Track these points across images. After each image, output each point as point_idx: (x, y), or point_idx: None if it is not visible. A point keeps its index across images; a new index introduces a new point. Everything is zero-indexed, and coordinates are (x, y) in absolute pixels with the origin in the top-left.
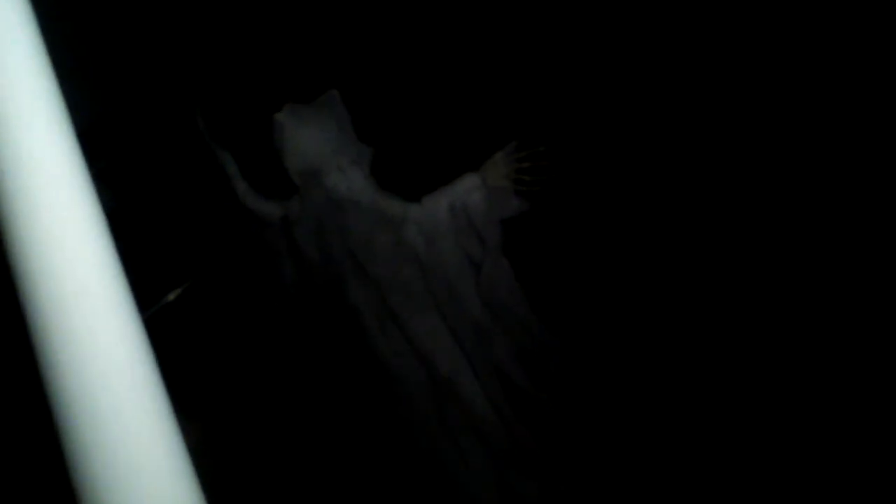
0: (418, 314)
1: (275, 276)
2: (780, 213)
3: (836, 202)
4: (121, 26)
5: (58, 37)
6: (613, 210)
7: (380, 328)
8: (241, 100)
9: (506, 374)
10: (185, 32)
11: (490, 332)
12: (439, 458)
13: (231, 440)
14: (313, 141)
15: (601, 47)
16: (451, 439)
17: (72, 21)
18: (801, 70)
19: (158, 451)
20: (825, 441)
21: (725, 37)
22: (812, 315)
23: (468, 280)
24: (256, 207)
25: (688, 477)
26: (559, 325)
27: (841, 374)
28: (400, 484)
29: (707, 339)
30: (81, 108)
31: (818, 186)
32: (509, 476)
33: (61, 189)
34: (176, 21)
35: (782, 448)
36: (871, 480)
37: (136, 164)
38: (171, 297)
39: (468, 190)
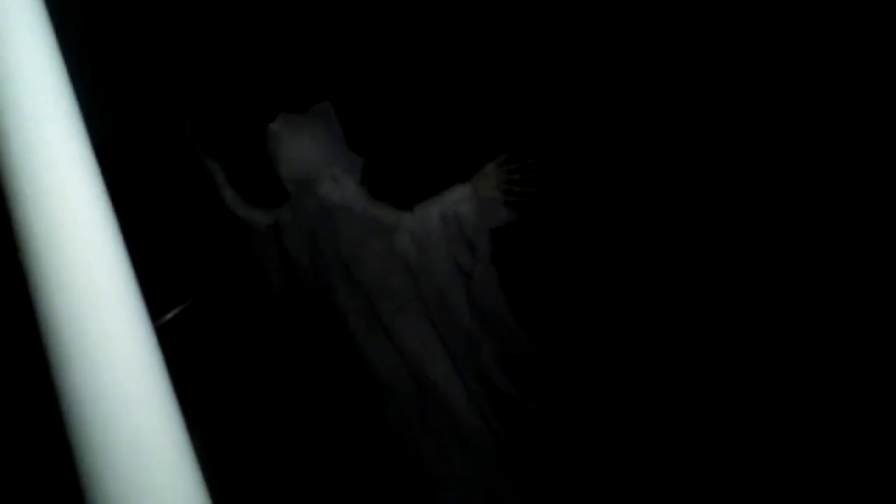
0: (408, 322)
1: (262, 284)
2: (765, 222)
3: (834, 202)
4: (112, 28)
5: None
6: (602, 221)
7: (368, 336)
8: (230, 108)
9: (493, 382)
10: (175, 39)
11: (479, 340)
12: (425, 466)
13: (229, 446)
14: (307, 150)
15: (591, 60)
16: (438, 447)
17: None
18: (796, 70)
19: (169, 455)
20: (815, 444)
21: (712, 45)
22: (802, 320)
23: (458, 288)
24: (245, 215)
25: (672, 485)
26: (546, 334)
27: (829, 374)
28: (387, 492)
29: (694, 351)
30: (94, 122)
31: (810, 188)
32: (495, 484)
33: (77, 196)
34: (168, 27)
35: (771, 461)
36: (871, 480)
37: (144, 178)
38: (170, 315)
39: (459, 200)
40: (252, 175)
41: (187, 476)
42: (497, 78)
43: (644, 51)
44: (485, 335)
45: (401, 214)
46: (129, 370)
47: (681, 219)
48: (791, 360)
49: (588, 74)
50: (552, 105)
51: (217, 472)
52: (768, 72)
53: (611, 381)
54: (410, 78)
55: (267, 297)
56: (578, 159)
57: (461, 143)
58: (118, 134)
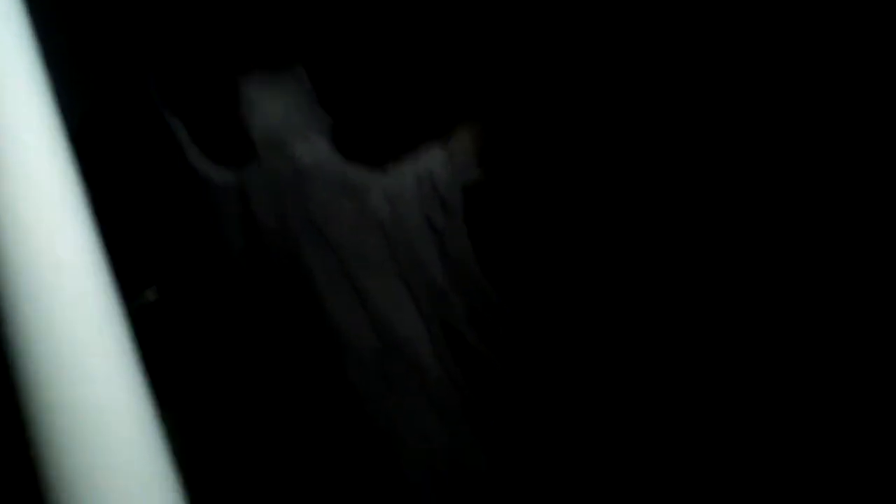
0: (380, 281)
1: (223, 247)
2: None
3: (832, 202)
4: None
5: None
6: (575, 182)
7: (336, 297)
8: (194, 65)
9: (460, 336)
10: None
11: (448, 296)
12: (388, 427)
13: (202, 426)
14: (279, 109)
15: (572, 25)
16: (401, 406)
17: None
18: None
19: (137, 441)
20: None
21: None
22: (800, 319)
23: (430, 246)
24: (209, 174)
25: (631, 448)
26: (512, 291)
27: (829, 374)
28: (350, 456)
29: (662, 318)
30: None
31: (810, 188)
32: (459, 440)
33: (47, 180)
34: None
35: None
36: (871, 480)
37: (120, 161)
38: (151, 296)
39: (433, 159)
40: (216, 133)
41: (152, 453)
42: (470, 36)
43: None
44: (454, 291)
45: (374, 174)
46: (96, 351)
47: (655, 183)
48: (781, 360)
49: (569, 39)
50: (529, 65)
51: (187, 446)
52: (768, 71)
53: (577, 339)
54: (381, 35)
55: (227, 261)
56: (554, 119)
57: (435, 103)
58: (94, 110)
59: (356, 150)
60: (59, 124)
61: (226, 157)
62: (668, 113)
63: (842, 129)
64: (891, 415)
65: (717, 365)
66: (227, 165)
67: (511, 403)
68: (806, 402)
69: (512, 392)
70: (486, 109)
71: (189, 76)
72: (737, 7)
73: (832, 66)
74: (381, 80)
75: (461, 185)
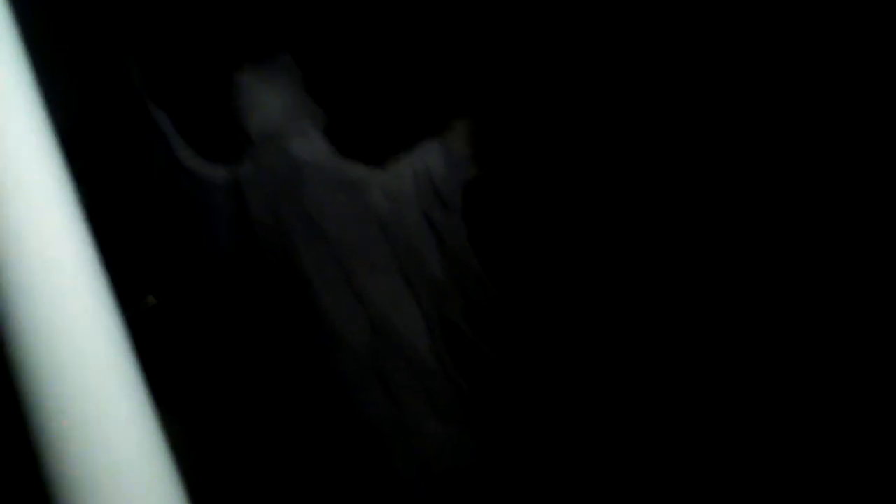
0: (378, 277)
1: (210, 245)
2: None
3: (832, 202)
4: None
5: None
6: (572, 177)
7: (331, 293)
8: (180, 57)
9: (457, 328)
10: None
11: (447, 291)
12: (380, 421)
13: (206, 426)
14: (276, 103)
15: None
16: (394, 400)
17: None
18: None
19: (136, 442)
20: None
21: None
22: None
23: (429, 241)
24: (199, 170)
25: (627, 445)
26: (510, 286)
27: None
28: (342, 452)
29: (660, 312)
30: (59, 108)
31: (810, 188)
32: (453, 433)
33: (39, 185)
34: None
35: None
36: (871, 480)
37: (114, 164)
38: (152, 300)
39: (431, 155)
40: (207, 128)
41: (151, 459)
42: (467, 32)
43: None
44: (453, 286)
45: (373, 171)
46: (96, 360)
47: (653, 177)
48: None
49: (567, 37)
50: (525, 59)
51: (191, 452)
52: (768, 72)
53: (575, 334)
54: (378, 30)
55: (219, 258)
56: (550, 115)
57: (432, 98)
58: (83, 119)
59: (353, 147)
60: (49, 123)
61: (217, 152)
62: (668, 108)
63: (842, 130)
64: (891, 415)
65: (716, 363)
66: (218, 161)
67: (507, 398)
68: (805, 401)
69: (508, 386)
70: (482, 105)
71: (176, 69)
72: (737, 7)
73: (832, 67)
74: (377, 75)
75: (459, 180)
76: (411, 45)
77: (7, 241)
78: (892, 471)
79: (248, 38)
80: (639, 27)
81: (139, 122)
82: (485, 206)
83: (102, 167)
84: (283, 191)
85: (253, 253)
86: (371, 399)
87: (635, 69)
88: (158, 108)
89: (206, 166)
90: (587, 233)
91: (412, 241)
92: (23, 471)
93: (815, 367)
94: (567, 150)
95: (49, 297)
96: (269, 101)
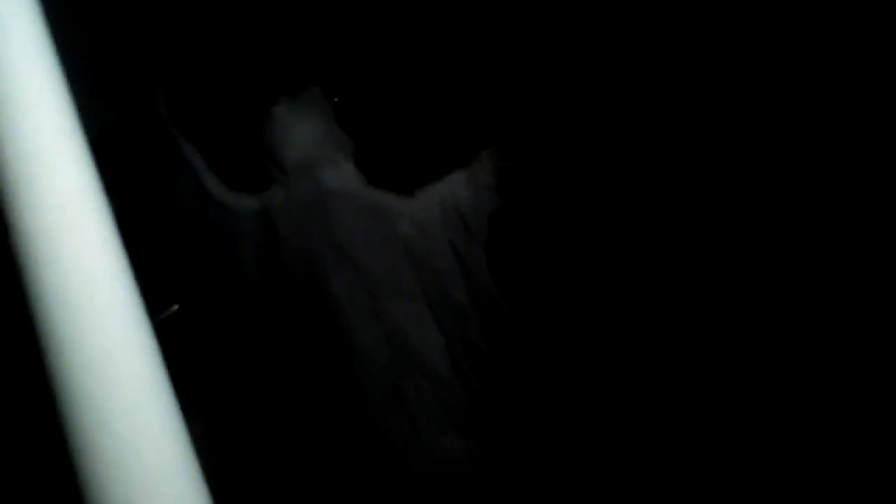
0: (403, 301)
1: (236, 273)
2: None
3: (832, 202)
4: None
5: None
6: (590, 204)
7: (356, 316)
8: (206, 89)
9: (476, 348)
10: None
11: (469, 314)
12: (398, 436)
13: (230, 436)
14: (311, 133)
15: (589, 46)
16: (412, 417)
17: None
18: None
19: (165, 447)
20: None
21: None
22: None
23: (454, 267)
24: (227, 201)
25: (641, 462)
26: (529, 309)
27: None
28: (361, 472)
29: (673, 337)
30: (92, 118)
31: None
32: (469, 449)
33: (73, 194)
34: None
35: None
36: (871, 480)
37: (148, 176)
38: (177, 306)
39: (457, 185)
40: (235, 158)
41: (180, 466)
42: (492, 62)
43: (642, 44)
44: (475, 309)
45: (401, 199)
46: (127, 365)
47: (675, 209)
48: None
49: (587, 59)
50: (550, 91)
51: (215, 460)
52: (768, 72)
53: (590, 355)
54: (402, 62)
55: (244, 283)
56: (573, 145)
57: (458, 130)
58: (115, 126)
59: (382, 176)
60: (86, 142)
61: (244, 182)
62: (685, 138)
63: (841, 130)
64: (891, 415)
65: (722, 371)
66: (247, 191)
67: (522, 414)
68: (804, 401)
69: (524, 403)
70: (507, 137)
71: (204, 102)
72: (737, 8)
73: (832, 67)
74: (405, 108)
75: (484, 210)
76: (439, 78)
77: (46, 254)
78: (892, 471)
79: (278, 72)
80: (646, 54)
81: (166, 151)
82: (508, 235)
83: (131, 184)
84: (315, 218)
85: (280, 277)
86: (389, 415)
87: (647, 102)
88: (186, 139)
89: (233, 196)
90: (603, 259)
91: (437, 267)
92: (56, 466)
93: (814, 367)
94: (586, 182)
95: (83, 304)
96: (301, 132)
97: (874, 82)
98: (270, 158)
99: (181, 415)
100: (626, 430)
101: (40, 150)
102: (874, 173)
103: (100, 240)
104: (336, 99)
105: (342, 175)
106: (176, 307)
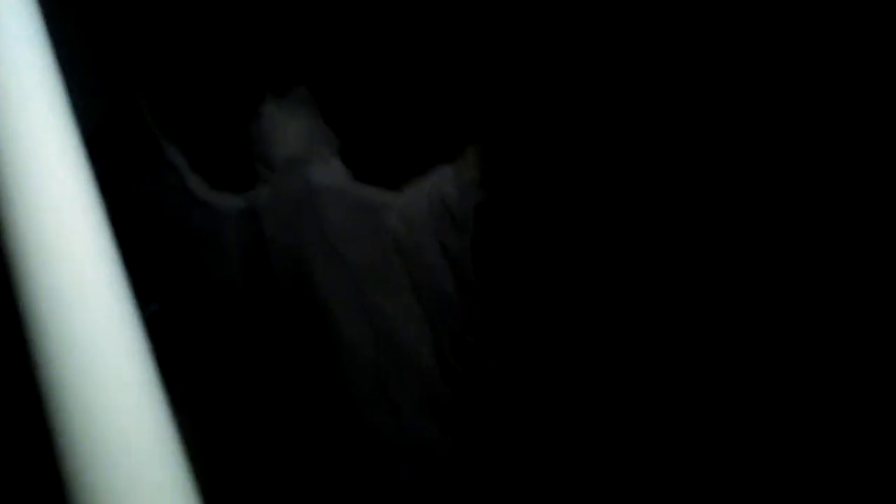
0: (391, 295)
1: (218, 273)
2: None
3: (832, 202)
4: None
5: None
6: (575, 197)
7: (342, 310)
8: (191, 91)
9: (464, 342)
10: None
11: (457, 307)
12: (383, 427)
13: (218, 432)
14: (298, 131)
15: (578, 40)
16: (397, 409)
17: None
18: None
19: (152, 442)
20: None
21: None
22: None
23: (441, 259)
24: (213, 201)
25: (628, 454)
26: (515, 300)
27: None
28: (345, 452)
29: (663, 331)
30: (83, 111)
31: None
32: (452, 438)
33: (64, 188)
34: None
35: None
36: (871, 480)
37: (131, 177)
38: (154, 308)
39: (444, 179)
40: (218, 158)
41: (166, 462)
42: (475, 58)
43: (637, 40)
44: (464, 302)
45: (390, 195)
46: (115, 359)
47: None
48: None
49: (575, 54)
50: (534, 85)
51: (203, 455)
52: (768, 72)
53: (578, 347)
54: (386, 59)
55: (230, 283)
56: (559, 139)
57: (442, 124)
58: (99, 128)
59: (370, 172)
60: (77, 139)
61: (230, 181)
62: (677, 137)
63: (841, 130)
64: (891, 415)
65: (715, 365)
66: (232, 190)
67: (507, 405)
68: (804, 401)
69: (509, 394)
70: (491, 132)
71: (188, 103)
72: (736, 7)
73: (832, 67)
74: (391, 104)
75: (470, 203)
76: (423, 74)
77: (38, 252)
78: (892, 471)
79: (264, 70)
80: (643, 54)
81: (149, 153)
82: (494, 228)
83: (115, 186)
84: (302, 215)
85: (267, 276)
86: (375, 408)
87: (641, 97)
88: (169, 140)
89: (218, 195)
90: (590, 250)
91: (426, 261)
92: (42, 461)
93: (814, 367)
94: (571, 174)
95: (72, 298)
96: (289, 129)
97: (874, 82)
98: (258, 156)
99: (169, 411)
100: (613, 423)
101: (33, 146)
102: (874, 173)
103: (91, 235)
104: (323, 96)
105: (330, 171)
106: (156, 307)
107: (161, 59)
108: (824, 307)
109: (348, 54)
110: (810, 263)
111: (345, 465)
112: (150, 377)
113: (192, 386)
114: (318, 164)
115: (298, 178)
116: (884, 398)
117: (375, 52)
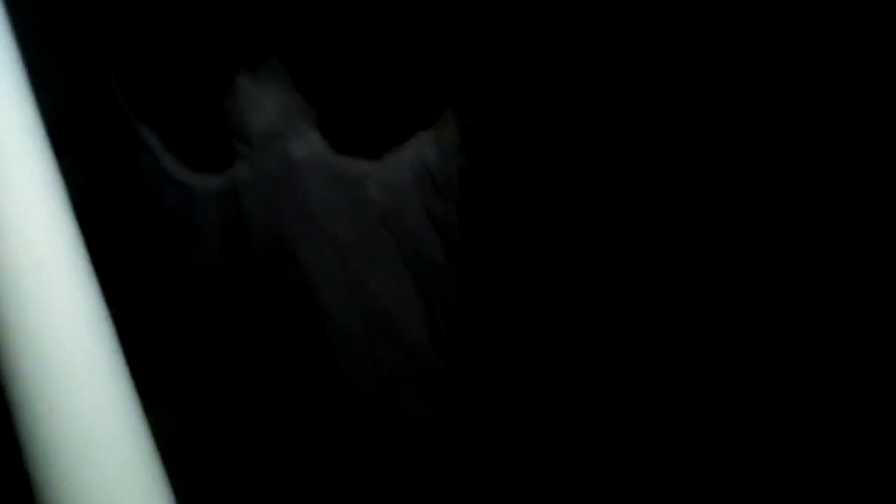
0: (380, 268)
1: (196, 254)
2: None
3: (832, 202)
4: None
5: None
6: (562, 161)
7: (329, 286)
8: (163, 69)
9: (457, 312)
10: None
11: (445, 272)
12: (375, 405)
13: (200, 419)
14: (274, 105)
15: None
16: (389, 387)
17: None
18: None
19: (120, 437)
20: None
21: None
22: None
23: (428, 228)
24: (189, 181)
25: (622, 431)
26: (507, 270)
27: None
28: (340, 444)
29: (657, 304)
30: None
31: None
32: (447, 415)
33: (28, 179)
34: None
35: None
36: (871, 481)
37: (103, 159)
38: (133, 298)
39: (425, 145)
40: (194, 137)
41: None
42: (452, 24)
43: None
44: (452, 268)
45: (370, 164)
46: (81, 356)
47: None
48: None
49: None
50: (509, 47)
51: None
52: (768, 72)
53: (571, 317)
54: (363, 27)
55: (210, 267)
56: (539, 105)
57: (420, 91)
58: (69, 111)
59: (349, 143)
60: (39, 122)
61: (207, 161)
62: (664, 103)
63: (841, 130)
64: (891, 415)
65: (713, 363)
66: (208, 170)
67: (500, 379)
68: (804, 402)
69: (502, 367)
70: (471, 95)
71: (159, 81)
72: (736, 7)
73: (832, 67)
74: (366, 71)
75: (453, 169)
76: (399, 39)
77: None
78: (892, 471)
79: (235, 44)
80: (632, 22)
81: (121, 133)
82: (477, 192)
83: (86, 168)
84: (282, 190)
85: (248, 256)
86: (365, 385)
87: (625, 62)
88: (141, 121)
89: (195, 176)
90: (580, 220)
91: (412, 228)
92: (12, 471)
93: (814, 367)
94: (557, 138)
95: (37, 292)
96: (263, 104)
97: (874, 82)
98: (234, 132)
99: (140, 404)
100: (606, 399)
101: None
102: (874, 173)
103: (49, 221)
104: (295, 67)
105: (309, 144)
106: (131, 298)
107: (129, 36)
108: (824, 307)
109: (319, 23)
110: (810, 263)
111: (338, 444)
112: (118, 370)
113: (175, 374)
114: (295, 138)
115: (277, 153)
116: (884, 398)
117: (346, 20)
